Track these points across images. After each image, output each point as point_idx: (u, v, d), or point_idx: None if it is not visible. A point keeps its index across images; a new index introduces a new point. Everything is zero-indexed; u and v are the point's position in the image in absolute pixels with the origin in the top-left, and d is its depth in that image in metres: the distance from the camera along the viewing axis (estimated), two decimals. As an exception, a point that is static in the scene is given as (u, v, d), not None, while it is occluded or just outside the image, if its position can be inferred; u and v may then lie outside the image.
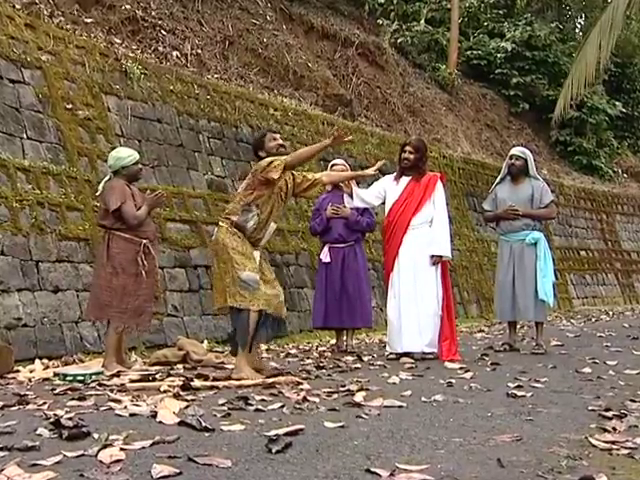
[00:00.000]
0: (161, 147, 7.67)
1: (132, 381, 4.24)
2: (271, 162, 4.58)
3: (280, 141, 4.80)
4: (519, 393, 3.84)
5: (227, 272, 4.48)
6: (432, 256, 5.76)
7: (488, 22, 18.93)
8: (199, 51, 9.83)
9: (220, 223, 4.68)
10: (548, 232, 13.54)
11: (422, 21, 16.33)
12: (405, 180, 5.95)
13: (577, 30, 22.70)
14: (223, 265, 4.51)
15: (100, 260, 5.03)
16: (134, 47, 8.66)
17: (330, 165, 6.53)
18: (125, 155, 5.14)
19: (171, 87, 8.20)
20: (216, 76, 9.66)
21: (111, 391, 3.88)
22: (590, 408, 3.40)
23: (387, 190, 5.96)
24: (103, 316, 5.03)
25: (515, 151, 6.70)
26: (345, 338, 6.56)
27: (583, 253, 16.13)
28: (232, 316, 4.59)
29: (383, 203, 6.03)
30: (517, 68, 18.07)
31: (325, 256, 6.46)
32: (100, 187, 5.18)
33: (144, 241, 5.02)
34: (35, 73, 6.73)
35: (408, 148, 5.92)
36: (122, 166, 5.09)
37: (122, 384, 4.11)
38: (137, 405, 3.40)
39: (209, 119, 8.49)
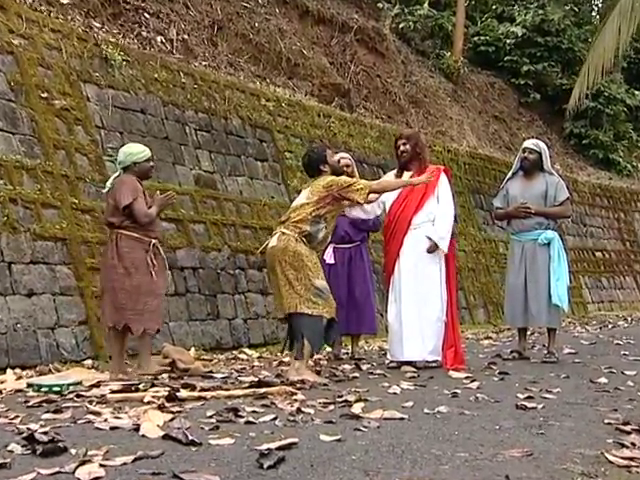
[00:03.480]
0: (145, 140, 7.66)
1: (113, 392, 4.23)
2: (352, 183, 5.15)
3: (346, 160, 5.84)
4: (529, 405, 3.86)
5: (298, 279, 4.95)
6: (430, 239, 5.75)
7: (497, 5, 18.94)
8: (185, 36, 9.82)
9: (284, 230, 5.08)
10: (562, 232, 13.56)
11: (425, 4, 16.32)
12: (406, 176, 5.97)
13: (594, 13, 22.70)
14: (294, 272, 4.96)
15: (110, 262, 5.12)
16: (115, 31, 8.64)
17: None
18: (137, 151, 5.32)
19: (155, 75, 8.19)
20: (204, 63, 9.65)
21: (90, 403, 3.88)
22: (606, 421, 3.42)
23: None
24: (121, 320, 5.12)
25: (528, 144, 6.71)
26: (352, 345, 6.61)
27: (599, 254, 16.16)
28: (299, 322, 4.98)
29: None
30: (528, 55, 18.07)
31: (329, 257, 6.46)
32: (108, 184, 5.31)
33: (153, 241, 5.17)
34: (6, 59, 6.71)
35: (401, 140, 6.01)
36: (134, 162, 5.24)
37: (102, 395, 4.10)
38: (118, 418, 3.40)
39: (196, 110, 8.49)
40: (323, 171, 5.25)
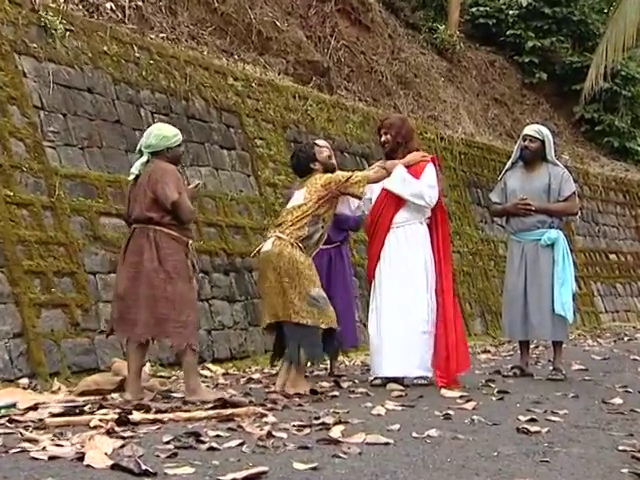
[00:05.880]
0: (92, 123, 7.62)
1: (53, 415, 4.21)
2: (349, 177, 5.52)
3: (327, 151, 6.04)
4: (532, 428, 3.89)
5: (293, 287, 5.29)
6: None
7: (498, -29, 19.04)
8: (140, 3, 9.78)
9: (280, 235, 5.39)
10: (569, 231, 13.66)
11: (417, -30, 16.42)
12: (392, 167, 6.04)
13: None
14: (288, 280, 5.29)
15: (149, 265, 5.06)
16: (57, -3, 8.58)
17: None
18: (171, 134, 5.33)
19: (104, 48, 8.15)
20: (161, 36, 9.62)
21: (26, 428, 3.85)
22: (621, 448, 3.45)
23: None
24: (161, 334, 5.16)
25: (529, 130, 6.76)
26: (330, 360, 6.64)
27: (613, 257, 16.29)
28: (294, 332, 5.31)
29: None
30: (533, 29, 18.13)
31: None
32: (135, 170, 5.28)
33: (190, 241, 5.25)
34: None
35: (382, 130, 6.13)
36: (168, 147, 5.25)
37: (40, 419, 4.08)
38: (59, 445, 3.38)
39: (153, 89, 8.45)
40: (314, 169, 5.64)
